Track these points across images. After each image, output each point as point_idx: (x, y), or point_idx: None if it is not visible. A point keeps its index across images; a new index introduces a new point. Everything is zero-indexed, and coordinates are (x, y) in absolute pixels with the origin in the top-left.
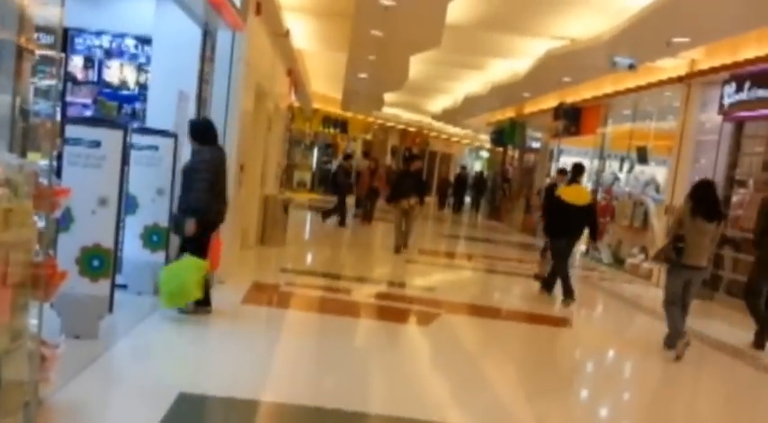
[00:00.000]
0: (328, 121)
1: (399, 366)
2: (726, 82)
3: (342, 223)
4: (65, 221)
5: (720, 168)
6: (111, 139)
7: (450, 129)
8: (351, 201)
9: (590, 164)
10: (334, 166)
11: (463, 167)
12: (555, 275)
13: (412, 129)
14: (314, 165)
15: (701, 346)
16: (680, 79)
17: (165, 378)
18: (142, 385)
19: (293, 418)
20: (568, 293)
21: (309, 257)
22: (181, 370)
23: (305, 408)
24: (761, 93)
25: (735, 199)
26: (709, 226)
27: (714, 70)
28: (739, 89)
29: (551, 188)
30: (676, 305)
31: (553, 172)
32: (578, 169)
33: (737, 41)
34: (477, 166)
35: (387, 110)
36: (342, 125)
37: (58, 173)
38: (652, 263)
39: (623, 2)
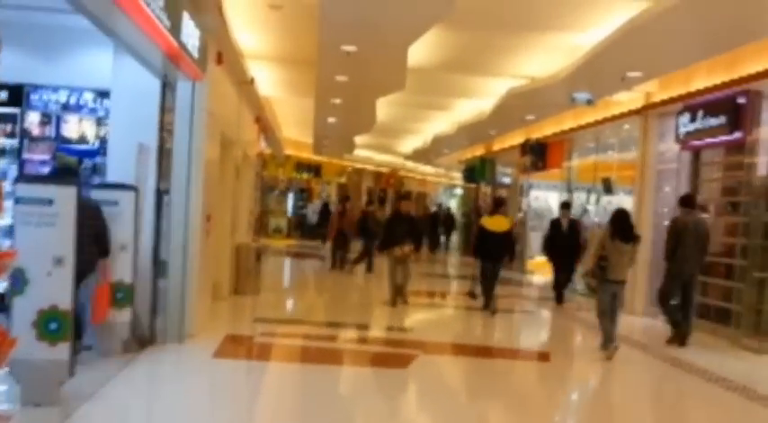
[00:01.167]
0: (301, 166)
1: (379, 413)
2: (680, 112)
3: (369, 269)
4: (19, 284)
5: None
6: (63, 196)
7: (423, 168)
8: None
9: (559, 197)
10: (309, 211)
11: (439, 205)
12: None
13: (385, 170)
14: (289, 210)
15: (675, 370)
16: (637, 112)
17: None
18: None
19: None
20: (491, 305)
21: (284, 305)
22: None
23: None
24: (713, 121)
25: None
26: (626, 247)
27: (668, 102)
28: (693, 119)
29: (556, 223)
30: (607, 315)
31: (525, 205)
32: (499, 202)
33: (689, 73)
34: (453, 204)
35: (359, 152)
36: (315, 170)
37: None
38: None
39: (577, 40)
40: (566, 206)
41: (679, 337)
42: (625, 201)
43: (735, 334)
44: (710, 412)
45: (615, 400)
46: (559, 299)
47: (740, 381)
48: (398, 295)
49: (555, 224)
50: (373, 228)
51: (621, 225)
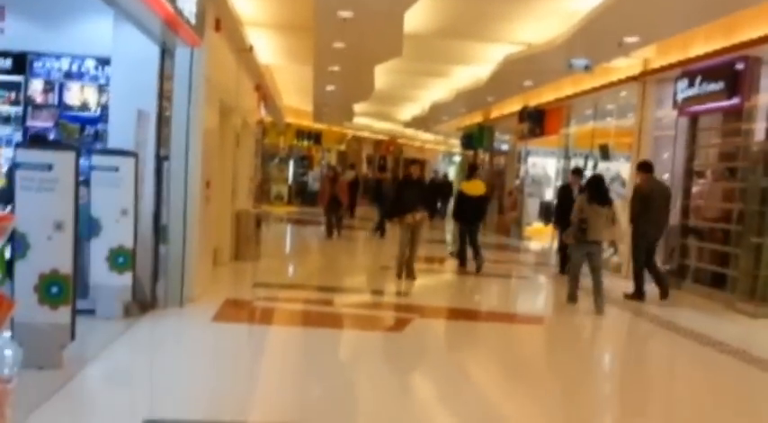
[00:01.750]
0: (302, 133)
1: (374, 374)
2: (678, 78)
3: (382, 234)
4: (20, 248)
5: (679, 161)
6: (62, 161)
7: (422, 135)
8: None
9: (556, 163)
10: (310, 178)
11: (435, 172)
12: (464, 251)
13: (385, 137)
14: (290, 178)
15: (669, 334)
16: (635, 78)
17: (130, 405)
18: (105, 414)
19: None
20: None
21: (284, 271)
22: (147, 395)
23: None
24: (711, 87)
25: (695, 190)
26: (602, 209)
27: (666, 68)
28: (691, 84)
29: (566, 188)
30: (579, 273)
31: (523, 171)
32: (473, 169)
33: (687, 39)
34: (452, 171)
35: (358, 120)
36: (315, 137)
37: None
38: (567, 241)
39: (574, 4)
40: (577, 172)
41: (660, 292)
42: (623, 167)
43: (730, 298)
44: (706, 375)
45: (608, 363)
46: (564, 268)
47: (735, 344)
48: (404, 265)
49: (565, 191)
50: (387, 194)
51: (597, 190)
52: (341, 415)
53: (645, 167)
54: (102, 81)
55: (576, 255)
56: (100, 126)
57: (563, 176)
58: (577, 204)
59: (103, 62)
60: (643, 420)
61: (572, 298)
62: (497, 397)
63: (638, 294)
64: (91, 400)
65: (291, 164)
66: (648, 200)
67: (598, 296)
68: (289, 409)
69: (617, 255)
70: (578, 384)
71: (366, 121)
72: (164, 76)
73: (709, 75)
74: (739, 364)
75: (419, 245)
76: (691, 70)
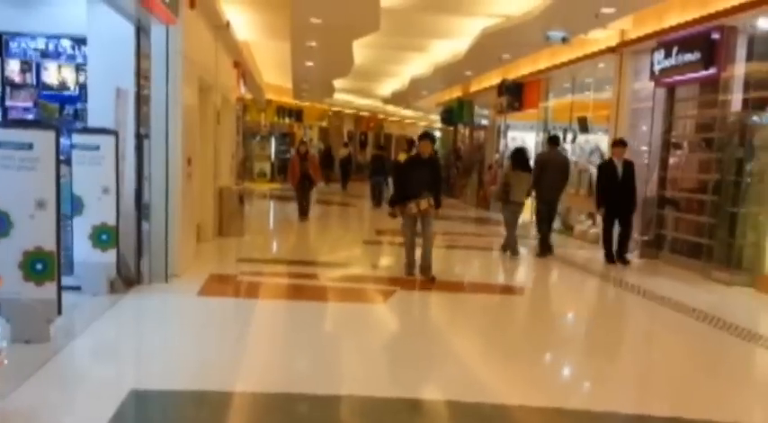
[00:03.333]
0: (283, 111)
1: (360, 345)
2: (654, 49)
3: (379, 205)
4: (4, 226)
5: (656, 133)
6: (43, 140)
7: (403, 111)
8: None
9: (536, 137)
10: (292, 155)
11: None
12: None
13: (366, 113)
14: (272, 155)
15: (646, 301)
16: (612, 50)
17: (117, 376)
18: (92, 385)
19: (248, 408)
20: None
21: (268, 246)
22: (133, 367)
23: (263, 395)
24: (687, 57)
25: (672, 161)
26: (524, 175)
27: (643, 39)
28: (667, 55)
29: (608, 166)
30: (512, 227)
31: (502, 145)
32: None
33: (663, 9)
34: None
35: (338, 96)
36: (297, 114)
37: None
38: (494, 201)
39: None
40: (622, 144)
41: (548, 249)
42: (602, 140)
43: (706, 267)
44: (681, 340)
45: (585, 330)
46: (622, 258)
47: (710, 311)
48: (414, 261)
49: (607, 168)
50: (388, 169)
51: (520, 159)
52: (325, 383)
53: (550, 140)
54: (80, 60)
55: (506, 214)
56: (79, 105)
57: (542, 150)
58: (504, 172)
59: (79, 41)
60: (618, 383)
61: (514, 250)
62: (477, 365)
63: (549, 249)
64: (79, 371)
65: (273, 141)
66: (545, 167)
67: (513, 246)
68: (274, 379)
69: (595, 226)
70: (554, 351)
71: (347, 98)
72: (140, 55)
73: (686, 45)
74: (712, 331)
75: (432, 238)
76: (667, 41)
